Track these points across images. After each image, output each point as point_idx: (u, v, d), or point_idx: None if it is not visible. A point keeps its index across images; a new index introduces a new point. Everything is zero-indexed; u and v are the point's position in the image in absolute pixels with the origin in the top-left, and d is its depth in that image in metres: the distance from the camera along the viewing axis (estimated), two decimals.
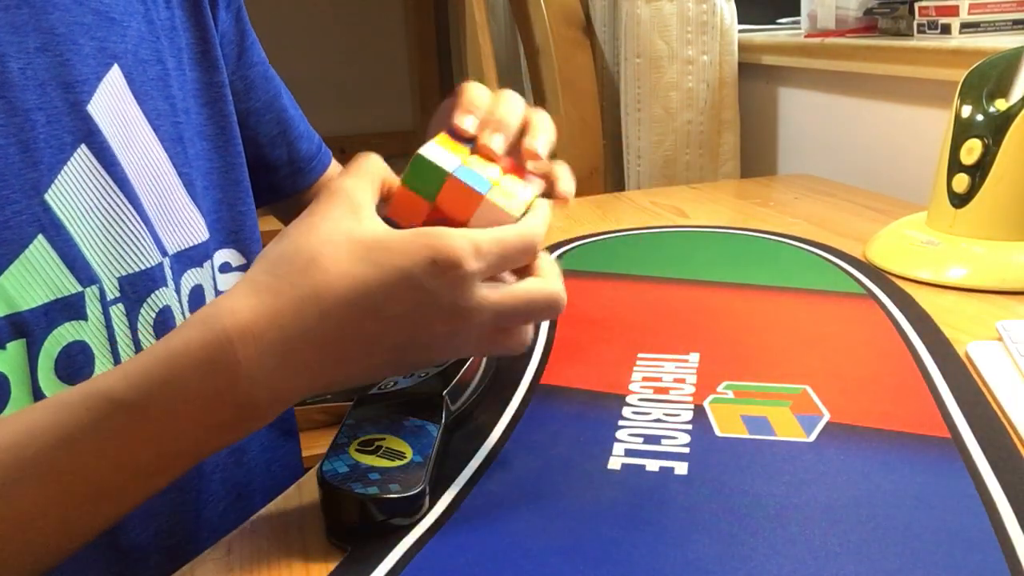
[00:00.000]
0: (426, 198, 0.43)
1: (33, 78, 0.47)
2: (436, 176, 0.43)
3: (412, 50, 2.66)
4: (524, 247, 0.42)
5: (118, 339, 0.50)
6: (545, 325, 0.65)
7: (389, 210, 0.44)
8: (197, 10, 0.60)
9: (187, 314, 0.55)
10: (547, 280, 0.43)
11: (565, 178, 0.49)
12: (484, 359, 0.54)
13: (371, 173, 0.43)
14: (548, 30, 1.39)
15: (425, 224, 0.41)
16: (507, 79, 1.92)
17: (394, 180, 0.45)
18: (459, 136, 0.46)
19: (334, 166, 0.77)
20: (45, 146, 0.47)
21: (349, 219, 0.41)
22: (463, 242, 0.39)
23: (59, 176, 0.48)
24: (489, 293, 0.41)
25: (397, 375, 0.48)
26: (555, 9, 1.40)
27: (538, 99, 1.50)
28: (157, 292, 0.52)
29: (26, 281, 0.46)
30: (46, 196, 0.47)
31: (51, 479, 0.38)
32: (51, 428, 0.38)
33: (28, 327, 0.46)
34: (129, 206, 0.51)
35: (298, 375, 0.40)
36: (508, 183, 0.45)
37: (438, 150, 0.44)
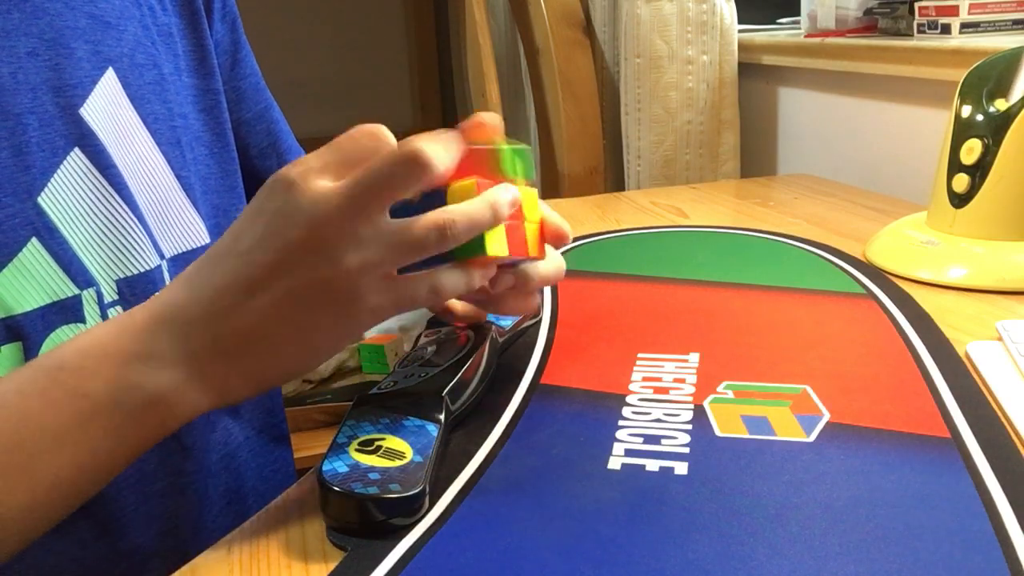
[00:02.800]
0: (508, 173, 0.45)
1: (24, 82, 0.47)
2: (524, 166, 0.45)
3: (412, 50, 2.67)
4: (360, 134, 0.41)
5: None
6: (545, 325, 0.65)
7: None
8: (193, 18, 0.60)
9: None
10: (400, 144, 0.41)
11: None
12: (484, 360, 0.54)
13: (328, 147, 0.43)
14: (548, 30, 1.39)
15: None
16: (507, 79, 1.92)
17: None
18: None
19: None
20: (37, 150, 0.47)
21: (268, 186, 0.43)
22: (307, 156, 0.41)
23: (52, 179, 0.48)
24: (327, 181, 0.40)
25: (323, 342, 0.44)
26: (555, 9, 1.40)
27: (538, 99, 1.50)
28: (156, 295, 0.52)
29: (20, 284, 0.46)
30: (39, 199, 0.47)
31: None
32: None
33: (24, 330, 0.46)
34: (126, 208, 0.51)
35: (194, 329, 0.41)
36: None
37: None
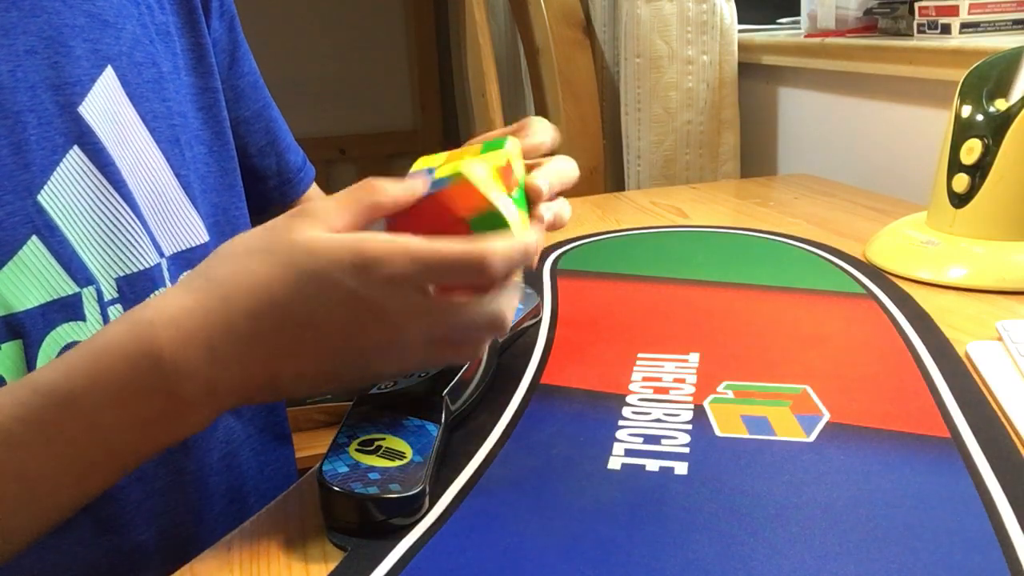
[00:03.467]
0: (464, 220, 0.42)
1: (23, 80, 0.47)
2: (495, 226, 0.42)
3: (412, 50, 2.66)
4: (468, 262, 0.39)
5: None
6: (545, 325, 0.65)
7: (412, 212, 0.42)
8: (191, 16, 0.60)
9: None
10: (494, 299, 0.42)
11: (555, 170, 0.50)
12: (484, 360, 0.54)
13: (355, 197, 0.42)
14: (548, 30, 1.39)
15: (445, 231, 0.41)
16: (507, 79, 1.92)
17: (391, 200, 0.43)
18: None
19: (315, 188, 0.77)
20: (37, 147, 0.47)
21: (297, 225, 0.40)
22: (390, 245, 0.39)
23: (52, 177, 0.48)
24: (423, 300, 0.40)
25: (342, 387, 0.47)
26: (555, 9, 1.40)
27: (538, 99, 1.50)
28: (156, 293, 0.52)
29: (20, 282, 0.46)
30: (39, 197, 0.47)
31: None
32: None
33: (24, 328, 0.46)
34: (125, 207, 0.51)
35: (227, 370, 0.39)
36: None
37: (489, 183, 0.43)
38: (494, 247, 0.40)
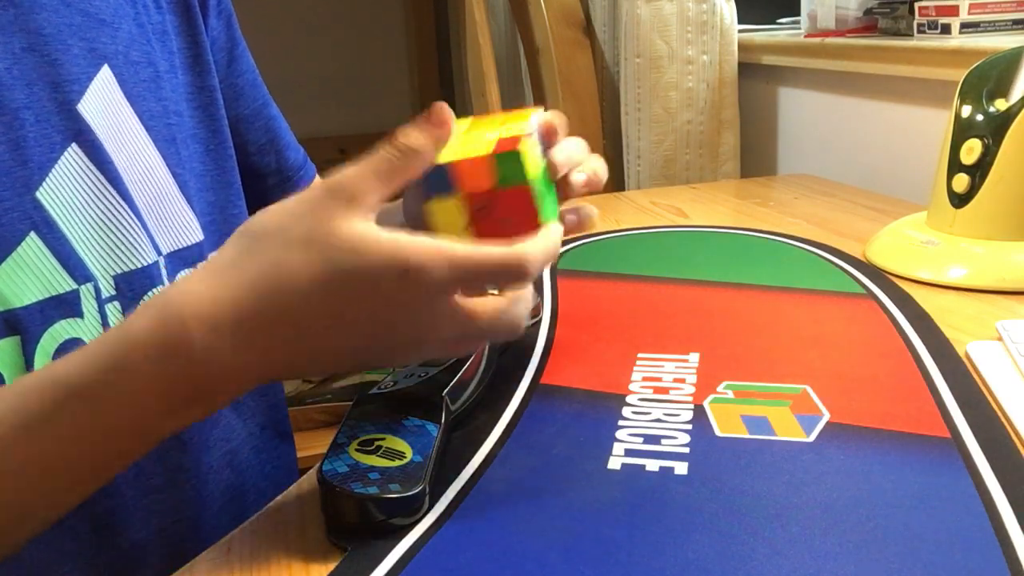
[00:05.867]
0: (499, 183, 0.43)
1: (20, 77, 0.47)
2: (520, 173, 0.43)
3: (412, 50, 2.66)
4: (506, 268, 0.40)
5: None
6: (545, 325, 0.65)
7: (456, 166, 0.43)
8: (188, 15, 0.60)
9: None
10: (516, 304, 0.42)
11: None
12: (484, 360, 0.54)
13: (380, 167, 0.41)
14: (548, 30, 1.39)
15: (473, 200, 0.42)
16: (507, 79, 1.92)
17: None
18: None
19: (318, 179, 0.77)
20: (35, 144, 0.47)
21: (338, 213, 0.39)
22: (433, 251, 0.38)
23: (50, 174, 0.48)
24: (453, 305, 0.40)
25: (357, 371, 0.49)
26: (555, 9, 1.40)
27: (538, 99, 1.50)
28: (153, 291, 0.52)
29: (19, 278, 0.46)
30: (37, 194, 0.47)
31: (10, 466, 0.38)
32: (9, 415, 0.38)
33: (22, 324, 0.46)
34: (123, 204, 0.51)
35: (250, 359, 0.40)
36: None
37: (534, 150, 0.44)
38: (532, 251, 0.40)
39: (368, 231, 0.39)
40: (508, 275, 0.40)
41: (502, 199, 0.43)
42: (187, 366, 0.39)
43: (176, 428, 0.41)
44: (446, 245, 0.39)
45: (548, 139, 0.49)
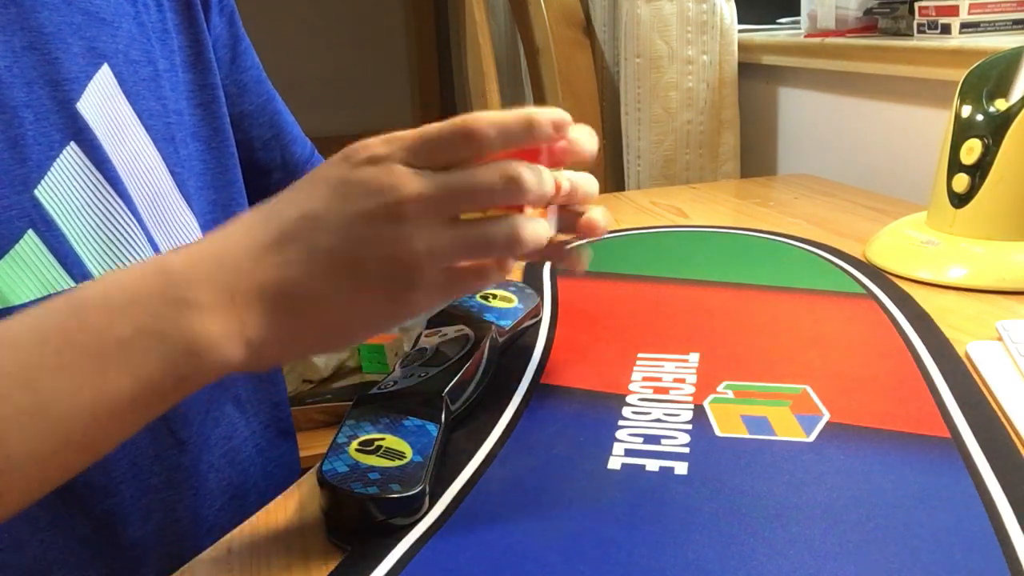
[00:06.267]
0: None
1: (20, 76, 0.47)
2: None
3: (412, 50, 2.67)
4: (452, 131, 0.40)
5: None
6: (545, 325, 0.65)
7: None
8: (189, 13, 0.60)
9: None
10: (507, 219, 0.41)
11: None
12: (484, 360, 0.54)
13: (425, 130, 0.42)
14: (548, 30, 1.39)
15: None
16: (507, 79, 1.92)
17: None
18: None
19: None
20: (34, 143, 0.47)
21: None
22: (375, 137, 0.40)
23: (48, 172, 0.48)
24: (413, 172, 0.39)
25: (367, 318, 0.42)
26: (555, 9, 1.40)
27: (538, 99, 1.50)
28: None
29: (17, 276, 0.46)
30: (36, 192, 0.47)
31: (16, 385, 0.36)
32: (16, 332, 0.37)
33: None
34: (121, 204, 0.51)
35: (238, 275, 0.39)
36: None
37: None
38: (478, 114, 0.40)
39: None
40: (454, 139, 0.40)
41: None
42: (166, 277, 0.39)
43: (185, 371, 0.38)
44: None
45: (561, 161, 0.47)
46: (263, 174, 0.70)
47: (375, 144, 0.40)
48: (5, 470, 0.35)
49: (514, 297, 0.64)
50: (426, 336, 0.56)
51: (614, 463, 0.45)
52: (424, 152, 0.40)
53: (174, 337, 0.38)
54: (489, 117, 0.40)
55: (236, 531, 0.44)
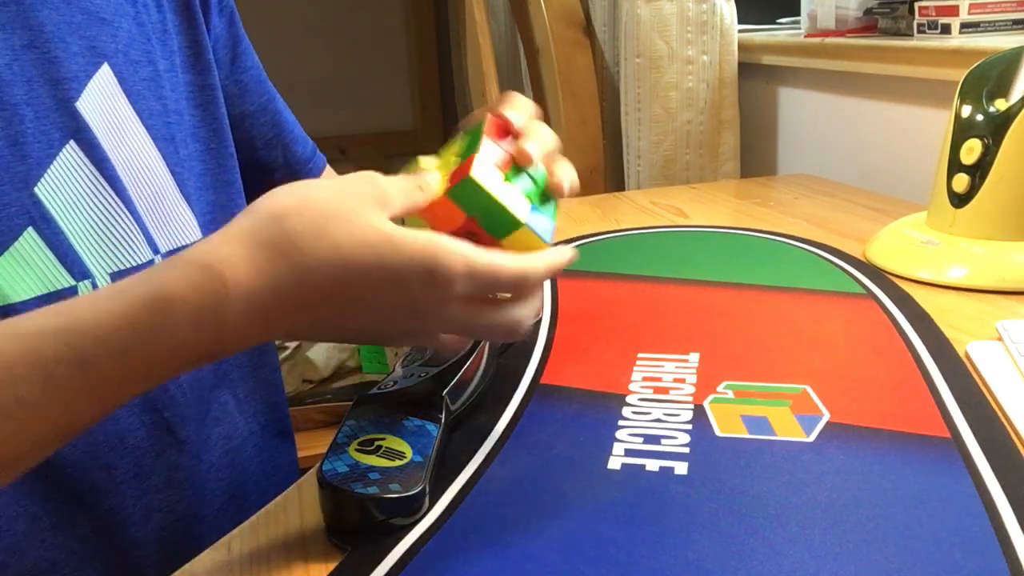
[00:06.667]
0: (467, 212, 0.43)
1: (20, 74, 0.47)
2: (483, 201, 0.43)
3: (412, 50, 2.67)
4: (515, 282, 0.42)
5: None
6: (545, 325, 0.65)
7: (423, 213, 0.43)
8: (189, 14, 0.60)
9: None
10: (515, 308, 0.44)
11: (564, 173, 0.49)
12: (484, 360, 0.54)
13: (411, 194, 0.43)
14: (548, 30, 1.39)
15: (457, 233, 0.41)
16: (507, 79, 1.92)
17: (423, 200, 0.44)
18: (497, 131, 0.46)
19: (328, 172, 0.77)
20: (34, 141, 0.47)
21: (375, 206, 0.41)
22: (461, 262, 0.39)
23: (48, 170, 0.48)
24: (461, 311, 0.41)
25: (351, 343, 0.49)
26: (555, 9, 1.40)
27: (538, 99, 1.50)
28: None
29: (17, 273, 0.46)
30: (36, 189, 0.47)
31: (21, 411, 0.36)
32: (27, 357, 0.36)
33: None
34: (119, 202, 0.51)
35: (269, 334, 0.41)
36: (538, 215, 0.45)
37: (486, 170, 0.43)
38: (536, 266, 0.43)
39: (399, 229, 0.40)
40: (514, 285, 0.43)
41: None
42: (216, 336, 0.38)
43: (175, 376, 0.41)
44: (471, 254, 0.40)
45: (508, 135, 0.48)
46: (265, 173, 0.70)
47: (461, 282, 0.40)
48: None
49: None
50: None
51: (614, 463, 0.45)
52: (486, 291, 0.43)
53: (191, 369, 0.41)
54: (543, 270, 0.44)
55: (236, 531, 0.44)
